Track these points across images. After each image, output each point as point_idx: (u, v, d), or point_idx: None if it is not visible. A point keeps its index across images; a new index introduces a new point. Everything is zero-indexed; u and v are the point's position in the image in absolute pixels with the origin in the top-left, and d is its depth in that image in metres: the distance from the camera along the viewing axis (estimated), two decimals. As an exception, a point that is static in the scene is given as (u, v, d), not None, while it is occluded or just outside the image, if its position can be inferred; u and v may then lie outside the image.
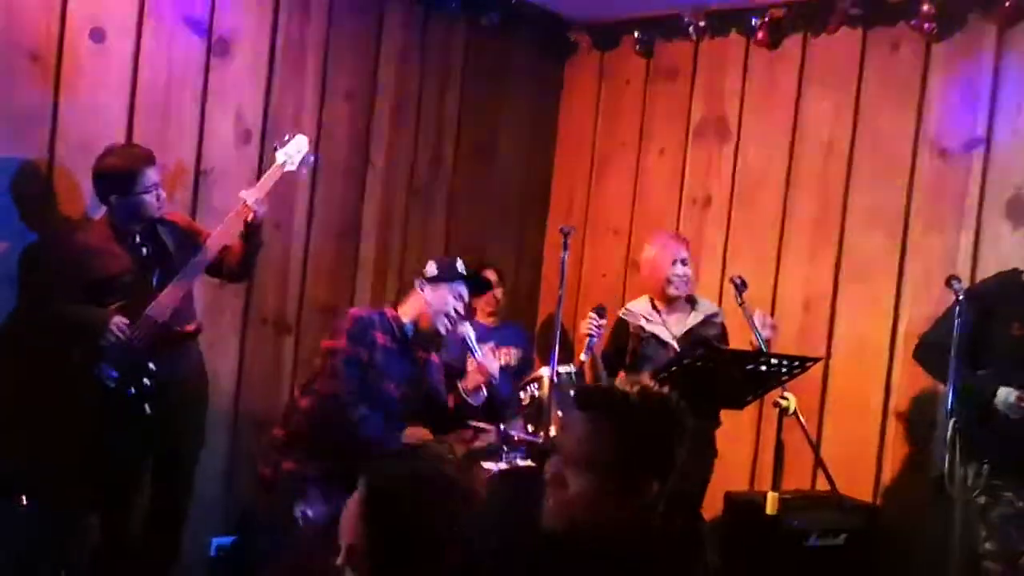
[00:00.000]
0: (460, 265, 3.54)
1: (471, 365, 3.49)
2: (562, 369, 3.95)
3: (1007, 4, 3.75)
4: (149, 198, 3.28)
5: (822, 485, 3.83)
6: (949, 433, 3.31)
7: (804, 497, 3.73)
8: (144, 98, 3.74)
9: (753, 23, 4.44)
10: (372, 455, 3.13)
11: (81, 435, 3.21)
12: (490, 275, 4.70)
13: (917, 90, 4.05)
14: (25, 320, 3.40)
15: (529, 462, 3.77)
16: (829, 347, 4.20)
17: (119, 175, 3.23)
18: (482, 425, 3.57)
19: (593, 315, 3.79)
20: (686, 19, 4.63)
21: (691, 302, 3.94)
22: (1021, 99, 3.81)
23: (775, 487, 3.13)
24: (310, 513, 3.22)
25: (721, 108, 4.68)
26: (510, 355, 4.67)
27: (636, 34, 4.91)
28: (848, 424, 4.12)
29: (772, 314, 4.36)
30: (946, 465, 3.34)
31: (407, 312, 3.49)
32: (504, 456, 3.80)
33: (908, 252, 4.05)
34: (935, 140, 4.00)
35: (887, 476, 4.04)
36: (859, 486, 3.94)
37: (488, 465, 3.75)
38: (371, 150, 4.50)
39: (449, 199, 4.84)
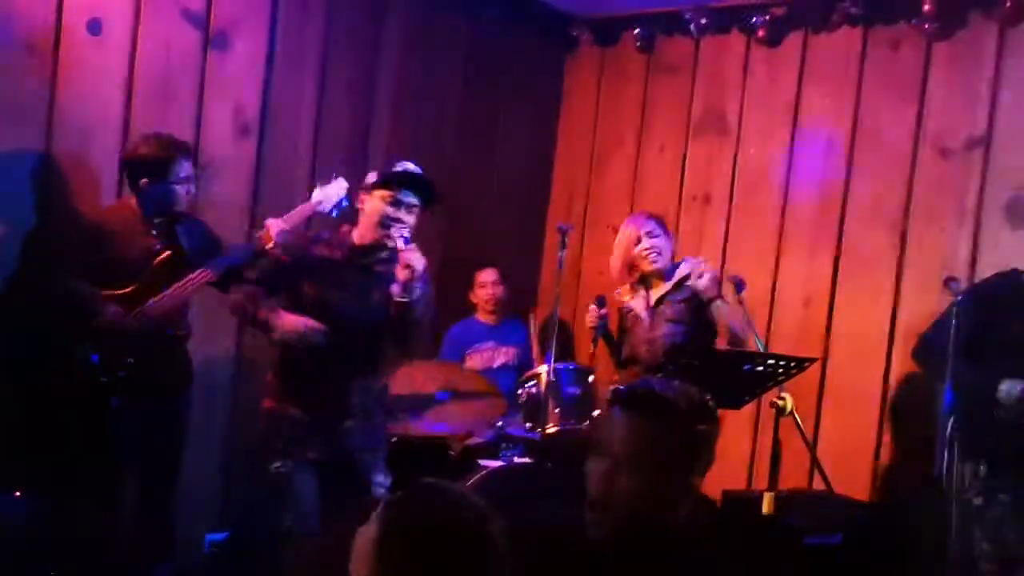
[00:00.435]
0: (402, 166, 3.24)
1: (398, 263, 3.13)
2: (560, 366, 3.95)
3: (1008, 4, 3.73)
4: (180, 189, 3.29)
5: (820, 485, 3.82)
6: (947, 433, 3.31)
7: (801, 496, 3.73)
8: (141, 90, 3.72)
9: (754, 21, 4.43)
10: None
11: (54, 419, 3.20)
12: (491, 273, 4.70)
13: (917, 89, 4.03)
14: (25, 292, 3.36)
15: (526, 459, 3.78)
16: (827, 345, 4.20)
17: (155, 160, 3.25)
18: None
19: (593, 306, 3.78)
20: (687, 16, 4.62)
21: (675, 267, 3.83)
22: (1022, 99, 3.80)
23: (771, 487, 3.12)
24: (283, 469, 3.18)
25: (721, 105, 4.67)
26: (509, 354, 4.67)
27: (637, 30, 4.89)
28: (846, 422, 4.12)
29: (771, 311, 4.37)
30: (943, 465, 3.34)
31: (357, 228, 3.26)
32: (502, 454, 3.81)
33: (907, 250, 4.04)
34: (935, 139, 3.99)
35: (884, 475, 4.04)
36: (856, 485, 3.94)
37: (485, 462, 3.76)
38: (370, 144, 4.49)
39: (449, 194, 4.81)
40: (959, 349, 3.27)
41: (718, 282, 3.72)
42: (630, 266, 3.84)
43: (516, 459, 3.77)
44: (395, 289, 3.11)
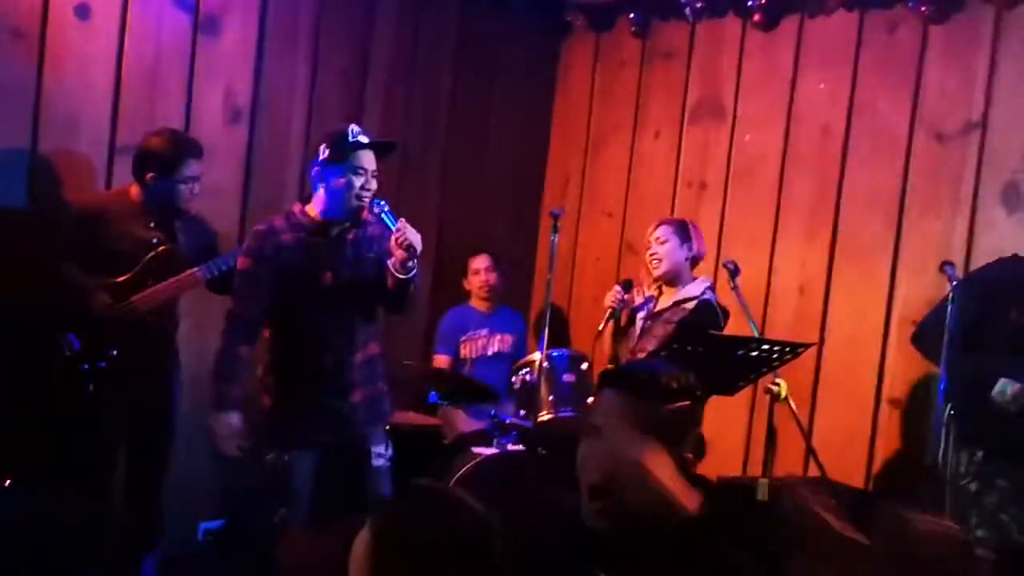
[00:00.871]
0: (352, 132, 3.09)
1: (391, 241, 3.08)
2: (554, 353, 3.93)
3: (1006, -13, 3.71)
4: (184, 188, 3.29)
5: (815, 471, 3.81)
6: (943, 419, 3.30)
7: (795, 483, 3.72)
8: (130, 76, 3.69)
9: (749, 4, 4.39)
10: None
11: (37, 406, 3.19)
12: (484, 260, 4.67)
13: (914, 73, 4.00)
14: (8, 278, 3.33)
15: (520, 447, 3.77)
16: (823, 331, 4.18)
17: (163, 157, 3.24)
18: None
19: (618, 288, 3.75)
20: (682, 0, 4.58)
21: (672, 285, 3.82)
22: (1018, 83, 3.77)
23: (766, 473, 3.11)
24: (279, 460, 3.16)
25: (717, 90, 4.64)
26: (505, 342, 4.65)
27: (632, 15, 4.85)
28: (841, 409, 4.11)
29: (766, 297, 4.35)
30: (939, 451, 3.33)
31: (316, 204, 3.13)
32: (495, 441, 3.79)
33: (903, 236, 4.02)
34: (931, 123, 3.97)
35: (879, 462, 4.03)
36: (851, 472, 3.93)
37: (479, 450, 3.74)
38: (364, 128, 4.44)
39: (442, 180, 4.79)
40: (956, 335, 3.26)
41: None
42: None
43: (510, 447, 3.76)
44: (393, 265, 3.06)
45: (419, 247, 3.04)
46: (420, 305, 4.04)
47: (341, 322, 3.14)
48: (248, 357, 3.12)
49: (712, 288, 3.82)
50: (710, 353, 3.20)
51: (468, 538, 1.29)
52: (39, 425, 3.20)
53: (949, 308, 3.27)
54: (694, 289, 3.77)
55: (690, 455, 1.69)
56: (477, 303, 4.68)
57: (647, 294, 3.85)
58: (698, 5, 4.60)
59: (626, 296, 3.75)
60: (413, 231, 3.05)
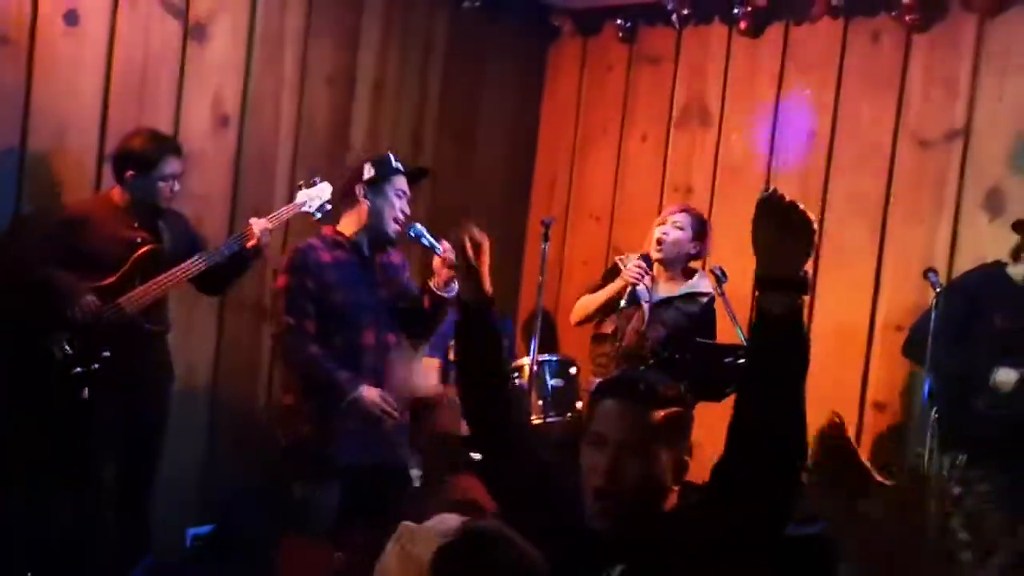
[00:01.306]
0: (394, 159, 3.31)
1: (436, 262, 3.20)
2: (543, 358, 3.95)
3: (987, -5, 3.76)
4: (163, 186, 3.28)
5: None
6: (928, 423, 3.35)
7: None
8: (119, 82, 3.68)
9: (735, 11, 4.44)
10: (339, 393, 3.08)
11: (26, 411, 3.18)
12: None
13: (897, 80, 4.05)
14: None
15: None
16: (808, 335, 4.21)
17: (142, 155, 3.24)
18: None
19: (640, 261, 3.66)
20: (669, 6, 4.61)
21: (688, 275, 3.80)
22: (1000, 91, 3.82)
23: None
24: (309, 493, 3.17)
25: (703, 96, 4.68)
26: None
27: (619, 20, 4.89)
28: (826, 412, 4.14)
29: (752, 302, 4.38)
30: (926, 455, 3.38)
31: (350, 224, 3.27)
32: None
33: (887, 241, 4.07)
34: (915, 130, 4.02)
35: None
36: (836, 475, 3.97)
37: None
38: (351, 134, 4.46)
39: (431, 184, 4.80)
40: (940, 341, 3.31)
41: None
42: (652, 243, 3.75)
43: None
44: (436, 285, 3.18)
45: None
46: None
47: (377, 343, 3.19)
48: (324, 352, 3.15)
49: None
50: (699, 360, 3.23)
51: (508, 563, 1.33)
52: (33, 431, 3.19)
53: (933, 314, 3.31)
54: (705, 285, 3.75)
55: (687, 458, 1.74)
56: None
57: (637, 264, 3.75)
58: (684, 11, 4.63)
59: (646, 275, 3.65)
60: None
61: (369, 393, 3.10)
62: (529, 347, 3.84)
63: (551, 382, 3.89)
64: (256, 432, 4.24)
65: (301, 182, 3.58)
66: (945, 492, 3.42)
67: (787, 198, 1.57)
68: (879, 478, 2.88)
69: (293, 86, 4.21)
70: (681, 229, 3.73)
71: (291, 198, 3.60)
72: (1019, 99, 3.76)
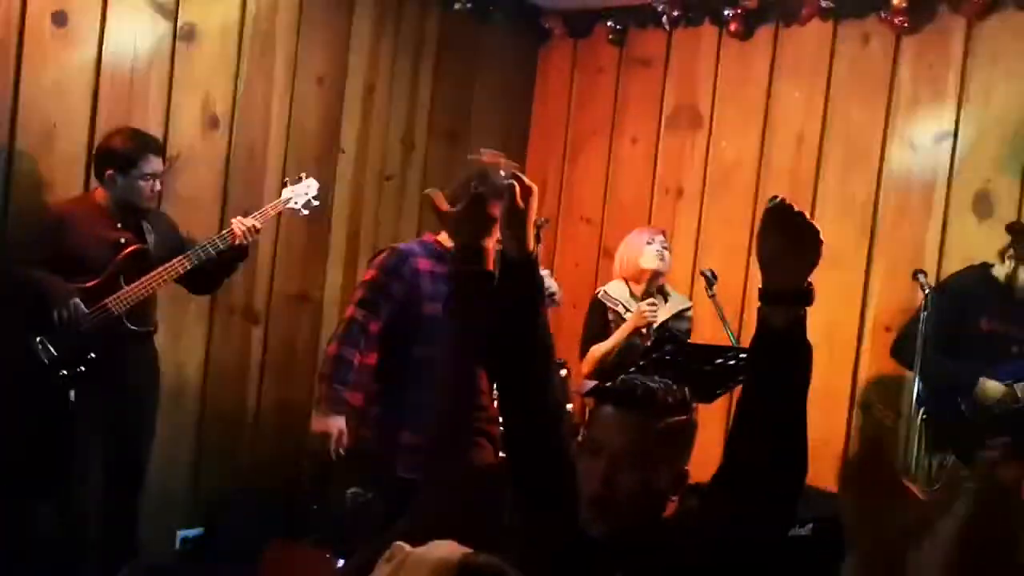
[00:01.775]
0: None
1: None
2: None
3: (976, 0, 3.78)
4: (144, 184, 3.25)
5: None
6: (916, 425, 3.36)
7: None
8: (108, 83, 3.67)
9: (726, 14, 4.45)
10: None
11: (10, 412, 3.16)
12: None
13: (887, 83, 4.07)
14: None
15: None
16: (810, 347, 4.22)
17: (122, 153, 3.22)
18: None
19: (653, 301, 3.77)
20: (659, 8, 4.62)
21: (663, 294, 3.91)
22: (988, 93, 3.84)
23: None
24: (362, 497, 3.14)
25: (694, 98, 4.68)
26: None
27: (609, 23, 4.90)
28: (815, 414, 4.12)
29: (743, 305, 4.39)
30: (913, 457, 3.38)
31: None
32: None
33: (876, 243, 4.08)
34: (904, 132, 4.03)
35: (852, 466, 4.08)
36: (826, 476, 3.97)
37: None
38: (342, 136, 4.46)
39: (421, 186, 4.80)
40: (929, 343, 3.32)
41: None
42: (635, 263, 3.84)
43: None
44: None
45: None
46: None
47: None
48: (357, 364, 3.03)
49: None
50: (689, 361, 3.23)
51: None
52: (18, 433, 3.17)
53: (922, 316, 3.32)
54: (684, 301, 3.92)
55: (687, 468, 1.70)
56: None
57: (623, 299, 3.84)
58: (675, 14, 4.64)
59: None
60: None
61: (330, 425, 2.96)
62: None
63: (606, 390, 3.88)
64: (246, 434, 4.24)
65: (287, 178, 3.58)
66: (933, 494, 3.43)
67: (794, 207, 1.54)
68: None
69: (283, 87, 4.20)
70: (667, 248, 3.87)
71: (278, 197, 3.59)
72: (1007, 101, 3.78)
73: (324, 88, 4.35)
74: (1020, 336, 3.41)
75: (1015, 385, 3.34)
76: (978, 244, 3.71)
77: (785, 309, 1.55)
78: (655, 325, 3.72)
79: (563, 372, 4.03)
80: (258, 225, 3.37)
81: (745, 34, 4.46)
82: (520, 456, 1.76)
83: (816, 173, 4.25)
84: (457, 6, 4.74)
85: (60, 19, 3.53)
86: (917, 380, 3.36)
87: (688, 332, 3.83)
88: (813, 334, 4.45)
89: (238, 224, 3.34)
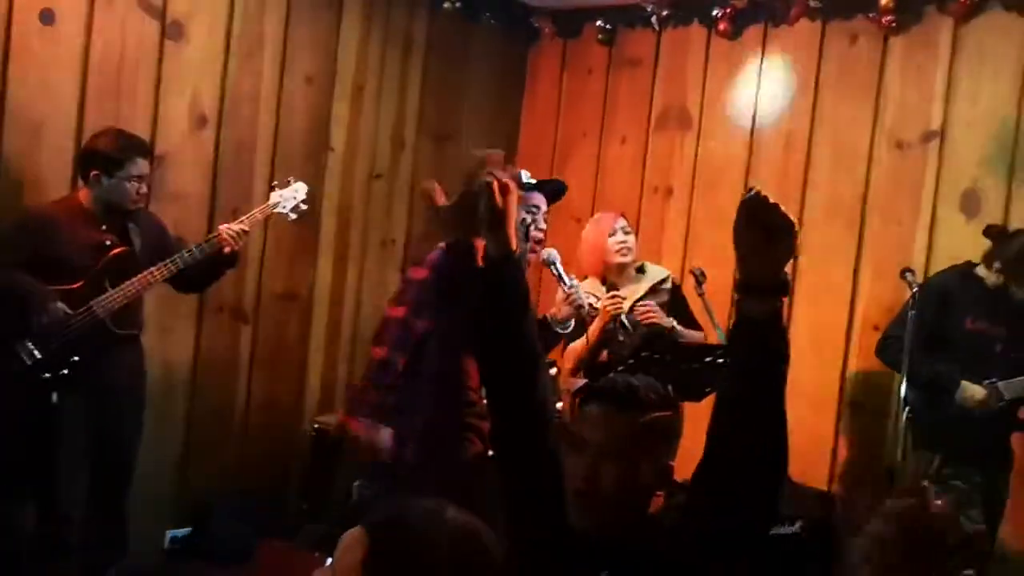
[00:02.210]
0: (525, 175, 3.09)
1: (559, 294, 3.14)
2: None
3: (962, 0, 3.79)
4: (129, 186, 3.22)
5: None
6: (902, 423, 3.37)
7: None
8: (96, 81, 3.65)
9: (714, 14, 4.46)
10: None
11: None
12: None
13: (875, 82, 4.09)
14: None
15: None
16: (787, 339, 4.23)
17: (108, 155, 3.19)
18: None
19: (616, 293, 3.62)
20: (648, 9, 4.63)
21: (641, 271, 3.80)
22: (976, 93, 3.86)
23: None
24: (367, 490, 3.13)
25: (682, 98, 4.69)
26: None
27: (599, 23, 4.90)
28: (803, 413, 4.15)
29: (731, 304, 4.40)
30: (899, 455, 3.40)
31: None
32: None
33: (865, 242, 4.10)
34: (892, 132, 4.05)
35: (841, 464, 4.10)
36: (815, 475, 4.00)
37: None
38: (331, 135, 4.45)
39: (410, 185, 4.80)
40: (915, 341, 3.33)
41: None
42: (601, 259, 3.78)
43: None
44: (554, 317, 3.15)
45: (587, 308, 3.18)
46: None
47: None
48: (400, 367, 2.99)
49: None
50: (678, 360, 3.24)
51: (466, 558, 1.30)
52: (1, 436, 3.15)
53: (909, 315, 3.34)
54: (660, 272, 3.77)
55: (672, 463, 1.71)
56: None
57: (595, 291, 3.77)
58: (664, 13, 4.66)
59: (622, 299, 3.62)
60: (584, 292, 3.15)
61: (382, 439, 2.94)
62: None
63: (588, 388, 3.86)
64: (235, 433, 4.23)
65: (275, 182, 3.57)
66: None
67: (769, 199, 1.55)
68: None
69: (272, 86, 4.19)
70: (630, 233, 3.77)
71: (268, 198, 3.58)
72: (994, 101, 3.80)
73: (313, 87, 4.34)
74: (1003, 335, 3.42)
75: (998, 383, 3.36)
76: (965, 243, 3.73)
77: (761, 300, 1.55)
78: (623, 313, 3.62)
79: (552, 371, 4.03)
80: (245, 229, 3.36)
81: (734, 34, 4.48)
82: (506, 453, 1.77)
83: (804, 172, 4.27)
84: (446, 5, 4.74)
85: (47, 17, 3.51)
86: (904, 380, 3.37)
87: (668, 304, 3.68)
88: (802, 333, 4.50)
89: (226, 230, 3.31)
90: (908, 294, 3.43)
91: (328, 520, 3.29)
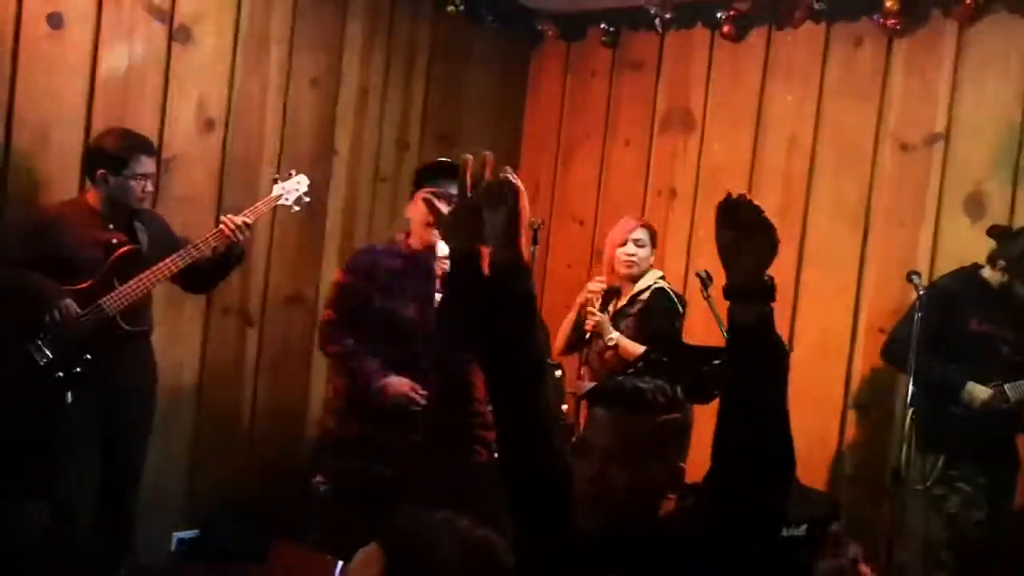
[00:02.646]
0: (434, 166, 3.17)
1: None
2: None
3: (967, 3, 3.81)
4: (135, 184, 3.24)
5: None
6: (906, 425, 3.38)
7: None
8: (104, 85, 3.67)
9: (718, 16, 4.47)
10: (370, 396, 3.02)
11: (6, 414, 3.14)
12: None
13: (879, 85, 4.10)
14: None
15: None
16: (791, 338, 4.25)
17: (114, 153, 3.21)
18: None
19: (600, 279, 3.84)
20: (652, 11, 4.64)
21: (635, 281, 3.85)
22: (980, 95, 3.87)
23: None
24: (325, 486, 3.16)
25: (686, 100, 4.71)
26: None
27: (602, 25, 4.92)
28: (809, 415, 4.16)
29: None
30: (904, 456, 3.41)
31: (412, 233, 3.20)
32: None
33: (869, 245, 4.11)
34: (896, 134, 4.06)
35: (847, 467, 4.11)
36: (819, 475, 4.01)
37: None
38: (336, 138, 4.46)
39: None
40: (921, 343, 3.34)
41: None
42: (610, 266, 3.85)
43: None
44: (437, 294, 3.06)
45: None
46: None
47: (415, 356, 3.09)
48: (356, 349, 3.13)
49: (663, 278, 3.87)
50: (686, 362, 3.25)
51: (481, 570, 1.31)
52: (15, 435, 3.16)
53: (915, 317, 3.35)
54: (647, 279, 3.82)
55: (682, 464, 1.72)
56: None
57: (597, 291, 3.85)
58: (667, 16, 4.67)
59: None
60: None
61: (395, 381, 3.04)
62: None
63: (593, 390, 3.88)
64: (242, 436, 4.24)
65: (277, 175, 3.56)
66: (926, 493, 3.46)
67: (746, 201, 1.52)
68: None
69: (278, 89, 4.20)
70: (644, 245, 3.83)
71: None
72: (998, 103, 3.82)
73: (318, 90, 4.36)
74: (1010, 337, 3.44)
75: (1004, 386, 3.36)
76: (970, 246, 3.74)
77: (745, 305, 1.53)
78: (594, 304, 3.76)
79: (558, 373, 4.05)
80: (248, 221, 3.34)
81: (737, 36, 4.49)
82: (513, 461, 1.74)
83: (809, 175, 4.28)
84: (450, 9, 4.75)
85: (55, 21, 3.52)
86: (910, 381, 3.38)
87: (639, 312, 3.77)
88: (807, 335, 4.50)
89: (228, 222, 3.32)
90: (913, 296, 3.45)
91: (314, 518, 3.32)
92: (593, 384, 3.44)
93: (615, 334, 3.69)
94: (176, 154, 3.89)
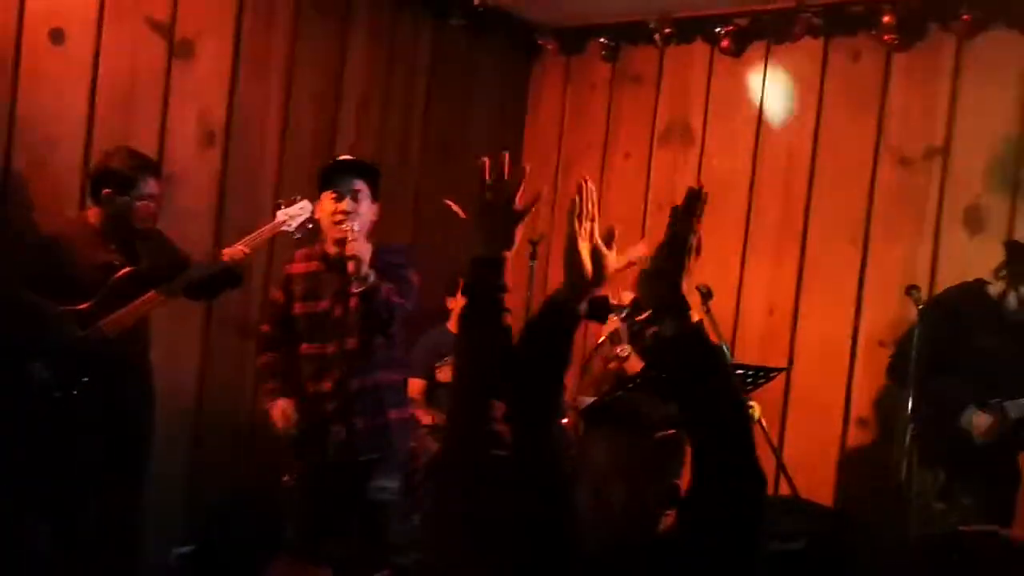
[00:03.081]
0: (332, 166, 3.36)
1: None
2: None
3: (965, 17, 3.82)
4: (141, 206, 3.24)
5: (785, 490, 3.87)
6: (907, 440, 3.38)
7: (767, 502, 3.76)
8: (105, 100, 3.68)
9: (718, 31, 4.49)
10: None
11: (4, 434, 3.14)
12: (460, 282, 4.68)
13: (878, 99, 4.11)
14: None
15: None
16: (791, 352, 4.25)
17: (121, 174, 3.21)
18: None
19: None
20: (652, 26, 4.66)
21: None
22: (978, 109, 3.88)
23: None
24: (290, 482, 3.34)
25: (686, 114, 4.72)
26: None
27: (602, 40, 4.94)
28: (810, 429, 4.18)
29: (736, 320, 4.42)
30: (905, 471, 3.40)
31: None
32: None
33: (869, 258, 4.11)
34: (895, 148, 4.07)
35: (848, 481, 4.10)
36: (820, 490, 4.00)
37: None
38: (336, 151, 4.46)
39: (415, 202, 4.82)
40: (922, 359, 3.33)
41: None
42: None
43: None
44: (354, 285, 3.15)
45: (364, 257, 3.15)
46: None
47: (337, 349, 3.24)
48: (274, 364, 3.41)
49: None
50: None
51: None
52: (12, 456, 3.15)
53: (917, 331, 3.35)
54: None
55: (679, 482, 1.72)
56: (454, 326, 4.68)
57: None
58: (667, 30, 4.68)
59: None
60: (361, 243, 3.14)
61: (277, 405, 3.32)
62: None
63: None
64: (241, 450, 4.23)
65: (281, 201, 3.56)
66: (928, 508, 3.44)
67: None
68: None
69: (279, 103, 4.22)
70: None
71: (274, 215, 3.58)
72: (997, 117, 3.83)
73: (319, 103, 4.37)
74: (1013, 353, 3.42)
75: (1004, 403, 3.34)
76: (969, 260, 3.75)
77: (670, 320, 1.65)
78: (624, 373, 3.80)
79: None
80: (247, 252, 3.34)
81: (736, 51, 4.50)
82: (520, 477, 1.77)
83: (808, 189, 4.29)
84: (451, 22, 4.77)
85: (57, 36, 3.54)
86: (910, 397, 3.37)
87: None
88: (807, 349, 4.50)
89: (229, 253, 3.31)
90: (913, 310, 3.44)
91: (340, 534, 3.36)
92: (592, 400, 3.44)
93: (629, 348, 3.69)
94: (177, 169, 3.89)
